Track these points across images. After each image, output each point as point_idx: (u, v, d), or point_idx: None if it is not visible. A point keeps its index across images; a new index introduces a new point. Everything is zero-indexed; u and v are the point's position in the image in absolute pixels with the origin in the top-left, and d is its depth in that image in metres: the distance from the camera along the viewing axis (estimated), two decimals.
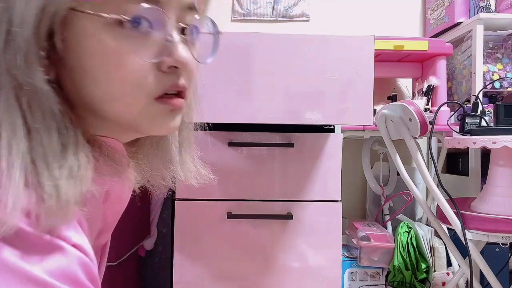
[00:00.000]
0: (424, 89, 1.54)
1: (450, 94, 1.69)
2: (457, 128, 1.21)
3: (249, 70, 0.92)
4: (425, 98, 1.52)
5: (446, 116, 1.43)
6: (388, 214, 1.62)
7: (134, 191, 0.52)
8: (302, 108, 0.94)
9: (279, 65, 0.93)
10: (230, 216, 1.06)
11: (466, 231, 1.02)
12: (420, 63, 1.64)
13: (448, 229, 1.11)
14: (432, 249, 1.41)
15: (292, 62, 0.93)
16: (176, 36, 0.38)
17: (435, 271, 1.39)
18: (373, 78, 0.96)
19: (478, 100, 1.23)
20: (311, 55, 0.93)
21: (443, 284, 1.35)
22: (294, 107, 0.93)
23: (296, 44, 0.93)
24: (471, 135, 1.07)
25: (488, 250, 1.32)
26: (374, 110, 1.22)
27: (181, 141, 0.51)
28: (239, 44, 0.92)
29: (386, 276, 1.41)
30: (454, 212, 1.04)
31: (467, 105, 1.32)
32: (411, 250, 1.35)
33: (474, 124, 1.15)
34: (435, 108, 1.31)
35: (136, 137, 0.47)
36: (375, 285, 1.41)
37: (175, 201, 1.07)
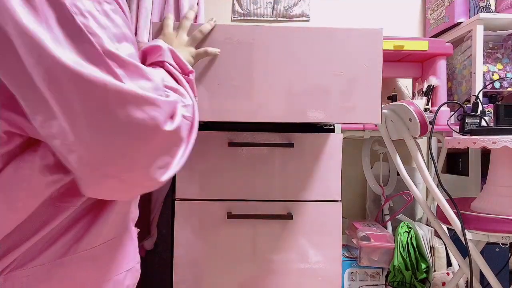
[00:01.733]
0: (424, 89, 1.54)
1: (450, 94, 1.69)
2: (457, 128, 1.21)
3: (249, 65, 0.88)
4: (425, 98, 1.52)
5: (446, 116, 1.43)
6: (388, 214, 1.62)
7: None
8: (305, 106, 0.89)
9: (281, 60, 0.88)
10: (230, 216, 1.06)
11: (466, 231, 1.02)
12: (420, 63, 1.64)
13: (448, 229, 1.11)
14: (432, 249, 1.41)
15: (294, 56, 0.88)
16: None
17: (435, 271, 1.39)
18: (381, 73, 0.89)
19: (478, 100, 1.22)
20: (315, 49, 0.88)
21: (443, 284, 1.35)
22: (296, 105, 0.89)
23: (299, 37, 0.88)
24: (471, 135, 1.07)
25: (488, 250, 1.32)
26: None
27: None
28: (238, 38, 0.87)
29: (386, 276, 1.41)
30: (454, 212, 1.04)
31: (467, 105, 1.32)
32: (411, 250, 1.35)
33: (474, 124, 1.15)
34: (435, 108, 1.31)
35: None
36: (375, 285, 1.41)
37: (175, 201, 1.07)
